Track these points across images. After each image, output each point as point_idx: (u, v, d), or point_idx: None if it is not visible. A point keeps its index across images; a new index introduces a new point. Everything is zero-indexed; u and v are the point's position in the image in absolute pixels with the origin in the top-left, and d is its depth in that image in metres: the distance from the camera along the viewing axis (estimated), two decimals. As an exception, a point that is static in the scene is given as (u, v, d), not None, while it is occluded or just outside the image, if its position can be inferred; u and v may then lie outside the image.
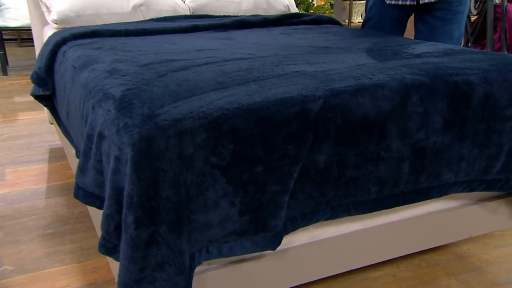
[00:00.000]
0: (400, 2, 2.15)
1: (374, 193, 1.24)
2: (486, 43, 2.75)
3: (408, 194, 1.30)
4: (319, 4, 5.30)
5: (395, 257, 1.45)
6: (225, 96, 1.09)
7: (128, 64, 1.39)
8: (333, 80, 1.22)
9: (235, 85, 1.18)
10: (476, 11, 2.86)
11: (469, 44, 2.90)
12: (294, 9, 2.72)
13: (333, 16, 5.31)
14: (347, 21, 5.14)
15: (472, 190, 1.40)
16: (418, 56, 1.50)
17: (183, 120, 0.98)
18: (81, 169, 1.21)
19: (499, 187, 1.41)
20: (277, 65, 1.40)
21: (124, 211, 0.95)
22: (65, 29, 1.97)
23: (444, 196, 1.44)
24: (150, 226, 0.95)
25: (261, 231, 1.09)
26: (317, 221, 1.21)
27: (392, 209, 1.38)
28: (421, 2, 2.09)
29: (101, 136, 1.09)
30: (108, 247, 1.03)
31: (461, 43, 2.12)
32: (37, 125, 3.01)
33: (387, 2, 2.19)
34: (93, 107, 1.19)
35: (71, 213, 1.96)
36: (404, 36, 2.40)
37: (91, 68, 1.41)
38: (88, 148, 1.18)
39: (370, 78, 1.23)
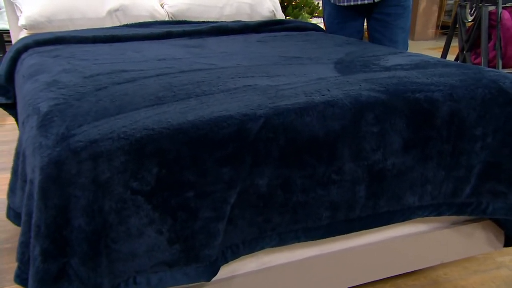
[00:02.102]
0: (359, 2, 2.17)
1: (326, 218, 1.15)
2: (481, 51, 2.63)
3: (366, 219, 1.20)
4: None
5: (359, 283, 1.35)
6: (155, 114, 1.00)
7: (73, 75, 1.31)
8: (282, 96, 1.13)
9: (174, 101, 1.10)
10: (471, 17, 2.74)
11: (464, 52, 2.78)
12: (280, 15, 2.63)
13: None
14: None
15: (440, 214, 1.30)
16: (388, 69, 1.40)
17: (99, 142, 0.89)
18: (12, 189, 1.13)
19: (470, 212, 1.31)
20: (232, 78, 1.31)
21: (31, 241, 0.87)
22: (30, 35, 1.90)
23: (412, 220, 1.34)
24: (60, 259, 0.87)
25: (193, 262, 1.00)
26: (263, 248, 1.12)
27: (355, 233, 1.28)
28: (375, 0, 2.16)
29: (24, 155, 1.02)
30: (23, 277, 0.95)
31: (409, 34, 2.31)
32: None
33: (338, 4, 2.23)
34: (23, 122, 1.11)
35: (33, 226, 1.89)
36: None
37: (35, 78, 1.34)
38: (17, 166, 1.10)
39: (323, 95, 1.13)
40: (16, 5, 2.30)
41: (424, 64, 1.45)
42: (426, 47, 5.55)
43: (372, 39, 2.31)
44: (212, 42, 1.97)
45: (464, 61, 2.77)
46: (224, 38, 2.08)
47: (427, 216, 1.29)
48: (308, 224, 1.13)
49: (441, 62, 1.46)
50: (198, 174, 0.97)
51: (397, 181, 1.19)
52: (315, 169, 1.09)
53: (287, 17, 4.53)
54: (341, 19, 2.32)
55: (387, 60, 1.53)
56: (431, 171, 1.22)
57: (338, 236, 1.25)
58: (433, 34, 6.08)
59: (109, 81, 1.25)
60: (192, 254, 1.00)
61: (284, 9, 4.54)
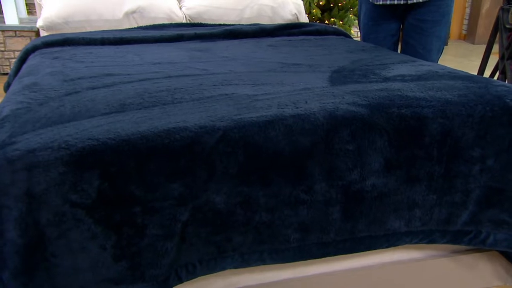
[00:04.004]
0: (395, 1, 2.04)
1: (295, 240, 1.06)
2: (522, 60, 2.42)
3: (343, 243, 1.10)
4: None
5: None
6: (108, 123, 0.96)
7: (55, 78, 1.29)
8: (253, 108, 1.05)
9: (138, 109, 1.05)
10: (512, 23, 2.53)
11: (505, 60, 2.57)
12: (303, 18, 2.54)
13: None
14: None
15: (432, 242, 1.17)
16: (386, 79, 1.29)
17: (37, 151, 0.86)
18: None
19: (468, 241, 1.18)
20: (214, 85, 1.25)
21: (-38, 251, 0.85)
22: (41, 37, 1.92)
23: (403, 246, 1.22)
24: (-10, 271, 0.84)
25: (139, 281, 0.95)
26: (224, 269, 1.05)
27: (334, 257, 1.18)
28: (409, 1, 2.01)
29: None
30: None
31: (445, 43, 2.10)
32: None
33: (375, 3, 2.09)
34: (-10, 126, 1.10)
35: None
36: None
37: (21, 80, 1.33)
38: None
39: (297, 107, 1.05)
40: (42, 7, 2.34)
41: (429, 75, 1.32)
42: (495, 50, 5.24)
43: (406, 45, 2.18)
44: (221, 45, 1.92)
45: (503, 70, 2.56)
46: (236, 42, 2.02)
47: (417, 243, 1.17)
48: (275, 245, 1.05)
49: (450, 74, 1.33)
50: (145, 189, 0.91)
51: (379, 204, 1.08)
52: (281, 188, 1.00)
53: (332, 19, 4.43)
54: (375, 21, 2.21)
55: (392, 69, 1.42)
56: (420, 194, 1.11)
57: (316, 260, 1.16)
58: (496, 37, 5.73)
59: (86, 86, 1.22)
60: (138, 273, 0.94)
61: (330, 10, 4.44)
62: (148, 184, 0.91)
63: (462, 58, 4.91)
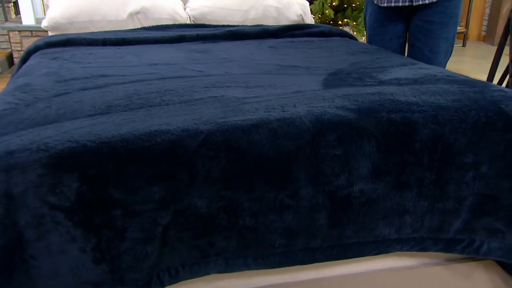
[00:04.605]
0: (400, 3, 2.00)
1: (281, 246, 1.04)
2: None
3: (330, 249, 1.08)
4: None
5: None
6: (91, 125, 0.95)
7: (48, 79, 1.30)
8: (240, 110, 1.04)
9: (123, 110, 1.04)
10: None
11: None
12: (309, 19, 2.52)
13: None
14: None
15: (424, 250, 1.15)
16: (381, 83, 1.27)
17: (16, 153, 0.85)
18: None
19: (461, 250, 1.15)
20: (206, 87, 1.24)
21: None
22: (43, 37, 1.93)
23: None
24: (-32, 272, 0.84)
25: (119, 284, 0.94)
26: (208, 273, 1.03)
27: (323, 263, 1.16)
28: (414, 3, 1.97)
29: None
30: None
31: (453, 44, 2.10)
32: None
33: (380, 4, 2.06)
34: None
35: None
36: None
37: (15, 80, 1.34)
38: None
39: (284, 111, 1.03)
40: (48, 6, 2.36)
41: (426, 79, 1.30)
42: (506, 52, 5.13)
43: (412, 48, 2.14)
44: (222, 47, 1.91)
45: (513, 74, 2.50)
46: (238, 43, 2.01)
47: (408, 250, 1.14)
48: (260, 250, 1.04)
49: (448, 78, 1.30)
50: (125, 192, 0.90)
51: (367, 210, 1.06)
52: (265, 192, 0.99)
53: (345, 20, 4.40)
54: (381, 23, 2.17)
55: (390, 72, 1.39)
56: (410, 201, 1.08)
57: (303, 266, 1.14)
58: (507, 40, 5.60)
59: (78, 87, 1.23)
60: (118, 276, 0.93)
61: (343, 11, 4.41)
62: (128, 187, 0.90)
63: (480, 59, 4.81)
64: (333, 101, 1.09)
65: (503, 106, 1.09)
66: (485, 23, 5.82)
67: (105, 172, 0.89)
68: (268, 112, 1.03)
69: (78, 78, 1.31)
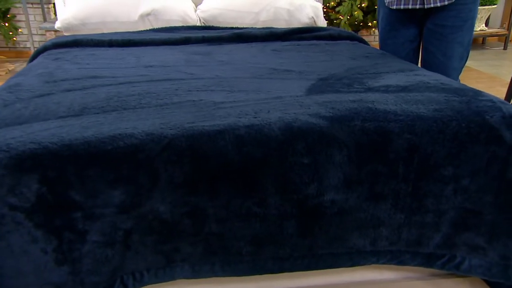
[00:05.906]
0: (410, 6, 1.94)
1: (248, 253, 1.03)
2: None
3: (301, 259, 1.06)
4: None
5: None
6: (57, 126, 0.96)
7: (39, 79, 1.33)
8: (211, 116, 1.03)
9: (96, 113, 1.05)
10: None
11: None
12: (321, 21, 2.48)
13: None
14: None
15: (402, 263, 1.11)
16: (368, 90, 1.23)
17: (-22, 153, 0.87)
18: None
19: (441, 265, 1.10)
20: (189, 91, 1.23)
21: None
22: (53, 38, 1.98)
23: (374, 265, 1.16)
24: None
25: (79, 287, 0.95)
26: (174, 278, 1.03)
27: (296, 273, 1.14)
28: (426, 6, 1.90)
29: None
30: None
31: (469, 49, 2.00)
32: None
33: (391, 7, 2.00)
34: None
35: None
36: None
37: (10, 80, 1.37)
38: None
39: (255, 117, 1.01)
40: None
41: (417, 86, 1.25)
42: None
43: (426, 52, 2.07)
44: (225, 49, 1.90)
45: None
46: (243, 45, 2.00)
47: (385, 263, 1.11)
48: (227, 257, 1.02)
49: (440, 86, 1.25)
50: (85, 195, 0.91)
51: (339, 221, 1.03)
52: (231, 199, 0.98)
53: (375, 21, 4.32)
54: (393, 26, 2.12)
55: (382, 79, 1.35)
56: (385, 212, 1.04)
57: (275, 275, 1.12)
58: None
59: (64, 88, 1.25)
60: (78, 279, 0.94)
61: (373, 12, 4.33)
62: (88, 190, 0.91)
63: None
64: (309, 108, 1.06)
65: (487, 117, 1.04)
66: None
67: (65, 175, 0.90)
68: (239, 118, 1.01)
69: (68, 79, 1.33)
